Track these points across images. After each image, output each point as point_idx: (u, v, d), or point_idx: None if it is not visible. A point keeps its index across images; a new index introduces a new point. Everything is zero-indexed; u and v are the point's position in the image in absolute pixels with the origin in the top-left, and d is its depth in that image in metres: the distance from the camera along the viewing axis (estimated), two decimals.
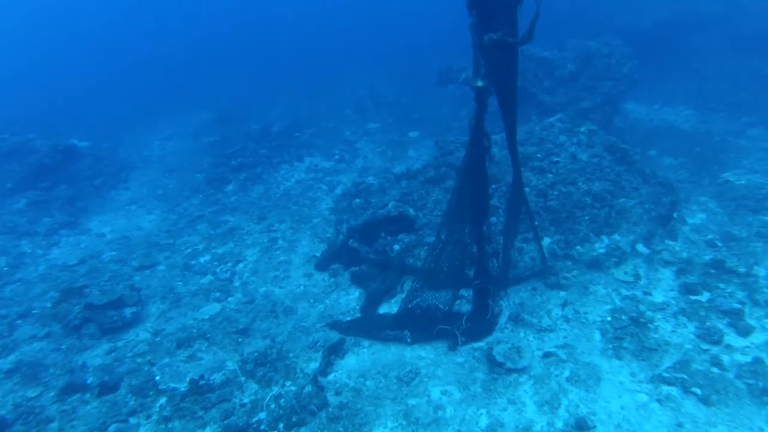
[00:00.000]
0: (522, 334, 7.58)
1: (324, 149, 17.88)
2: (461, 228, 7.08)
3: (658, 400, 6.16)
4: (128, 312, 9.13)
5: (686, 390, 6.24)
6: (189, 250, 11.92)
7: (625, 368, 6.75)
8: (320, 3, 49.96)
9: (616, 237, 9.45)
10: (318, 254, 10.92)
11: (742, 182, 11.73)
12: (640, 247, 9.32)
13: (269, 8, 50.31)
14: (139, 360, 8.19)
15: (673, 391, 6.28)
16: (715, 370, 6.57)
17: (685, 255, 9.33)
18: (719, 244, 9.68)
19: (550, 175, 10.48)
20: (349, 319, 8.57)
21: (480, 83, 5.93)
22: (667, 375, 6.47)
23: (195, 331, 8.84)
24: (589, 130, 11.59)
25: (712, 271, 8.58)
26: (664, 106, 19.03)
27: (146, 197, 15.61)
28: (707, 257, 9.20)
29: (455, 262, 7.37)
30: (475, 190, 6.76)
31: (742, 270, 8.44)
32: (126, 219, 14.22)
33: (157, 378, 7.68)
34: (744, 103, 17.55)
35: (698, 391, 6.19)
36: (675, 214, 10.29)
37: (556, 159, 10.86)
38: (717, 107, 17.89)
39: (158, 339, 8.76)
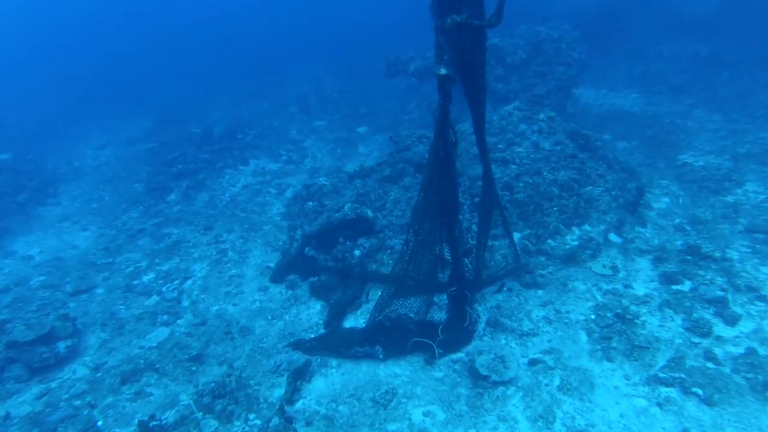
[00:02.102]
0: (503, 341, 7.02)
1: (270, 150, 16.94)
2: (431, 230, 6.43)
3: (659, 404, 5.70)
4: (62, 346, 8.05)
5: (686, 391, 5.81)
6: (130, 269, 10.83)
7: (617, 371, 6.28)
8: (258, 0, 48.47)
9: (587, 227, 9.06)
10: (272, 265, 10.08)
11: (700, 164, 11.63)
12: (613, 237, 8.95)
13: (204, 7, 48.36)
14: (77, 402, 7.15)
15: (673, 392, 5.84)
16: (710, 365, 6.18)
17: (656, 242, 9.03)
18: (688, 228, 9.45)
19: (513, 166, 10.01)
20: (312, 336, 7.81)
21: (443, 71, 5.26)
22: (664, 375, 6.04)
23: (142, 361, 7.87)
24: (549, 117, 11.21)
25: (689, 257, 8.28)
26: (611, 90, 19.07)
27: (79, 212, 14.27)
28: (679, 242, 8.94)
29: (426, 267, 6.72)
30: (443, 188, 6.13)
31: (717, 254, 8.18)
32: (57, 238, 12.90)
33: (100, 423, 6.68)
34: (686, 85, 17.81)
35: (699, 391, 5.77)
36: (642, 200, 10.00)
37: (518, 149, 10.41)
38: (661, 90, 18.08)
39: (99, 375, 7.73)
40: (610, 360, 6.45)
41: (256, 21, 42.59)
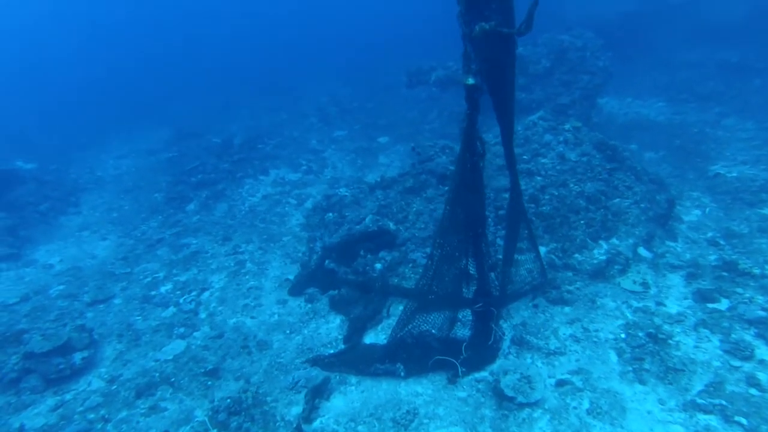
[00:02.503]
0: (529, 360, 6.74)
1: (290, 160, 16.85)
2: (456, 244, 6.22)
3: None
4: (78, 357, 7.98)
5: (728, 419, 5.48)
6: (148, 279, 10.77)
7: (651, 394, 5.97)
8: (276, 13, 48.80)
9: (615, 241, 8.75)
10: (291, 277, 9.93)
11: (734, 175, 11.22)
12: (642, 251, 8.63)
13: (224, 21, 48.87)
14: (92, 416, 7.06)
15: (713, 420, 5.51)
16: (754, 392, 5.83)
17: (688, 257, 8.69)
18: (721, 242, 9.08)
19: (539, 178, 9.75)
20: (331, 351, 7.61)
21: (471, 81, 5.06)
22: (702, 401, 5.71)
23: (157, 375, 7.75)
24: (575, 127, 10.93)
25: (724, 274, 7.93)
26: (636, 99, 18.67)
27: (99, 221, 14.30)
28: (712, 257, 8.59)
29: (450, 282, 6.50)
30: (469, 201, 5.92)
31: (756, 271, 7.80)
32: (77, 247, 12.92)
33: None
34: (714, 93, 17.32)
35: (743, 420, 5.43)
36: (672, 213, 9.65)
37: (543, 160, 10.15)
38: (688, 98, 17.61)
39: (114, 387, 7.62)
40: (642, 382, 6.14)
41: (273, 36, 42.80)
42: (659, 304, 7.46)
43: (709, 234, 9.41)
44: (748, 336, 6.63)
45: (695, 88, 17.89)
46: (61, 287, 10.73)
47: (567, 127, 11.04)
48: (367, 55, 30.77)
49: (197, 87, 30.38)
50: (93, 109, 28.18)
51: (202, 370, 7.66)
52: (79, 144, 22.35)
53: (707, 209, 10.23)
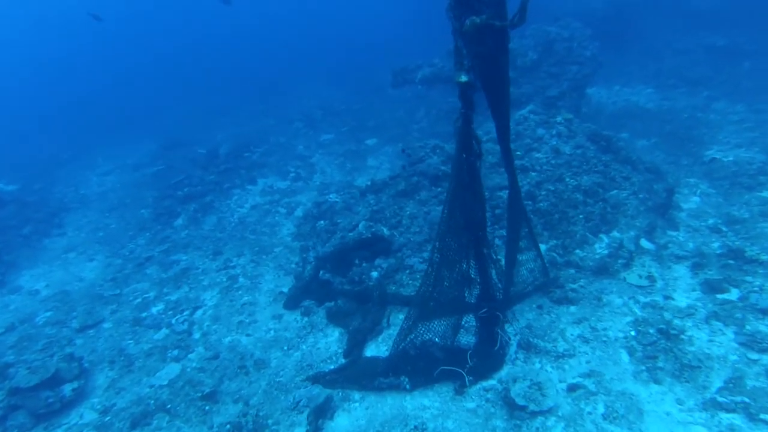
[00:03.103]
0: (538, 365, 6.48)
1: (277, 168, 16.52)
2: (456, 248, 5.94)
3: None
4: (68, 389, 7.63)
5: (753, 417, 5.24)
6: (138, 300, 10.42)
7: (668, 394, 5.72)
8: (260, 18, 48.37)
9: (616, 234, 8.52)
10: (285, 290, 9.61)
11: (730, 159, 11.03)
12: (645, 243, 8.40)
13: (207, 28, 48.36)
14: None
15: (737, 419, 5.27)
16: None
17: (691, 246, 8.47)
18: (724, 228, 8.87)
19: (534, 174, 9.50)
20: (332, 367, 7.31)
21: (464, 78, 4.80)
22: (723, 399, 5.47)
23: (152, 402, 7.43)
24: (566, 120, 10.70)
25: (731, 262, 7.71)
26: (624, 87, 18.53)
27: (86, 242, 13.90)
28: (716, 245, 8.37)
29: (452, 288, 6.22)
30: (468, 203, 5.65)
31: (764, 258, 7.58)
32: (63, 270, 12.53)
33: None
34: (703, 78, 17.19)
35: None
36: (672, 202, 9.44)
37: (537, 155, 9.90)
38: (677, 84, 17.47)
39: (108, 419, 7.29)
40: (657, 382, 5.89)
41: (257, 41, 42.38)
42: (667, 297, 7.22)
43: (710, 221, 9.21)
44: (763, 326, 6.40)
45: (684, 73, 17.75)
46: (48, 314, 10.36)
47: (559, 119, 10.82)
48: (353, 57, 30.52)
49: (181, 96, 30.02)
50: (77, 123, 27.78)
51: (199, 394, 7.34)
52: (63, 161, 21.95)
53: (698, 190, 10.06)
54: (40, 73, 43.40)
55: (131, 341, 9.09)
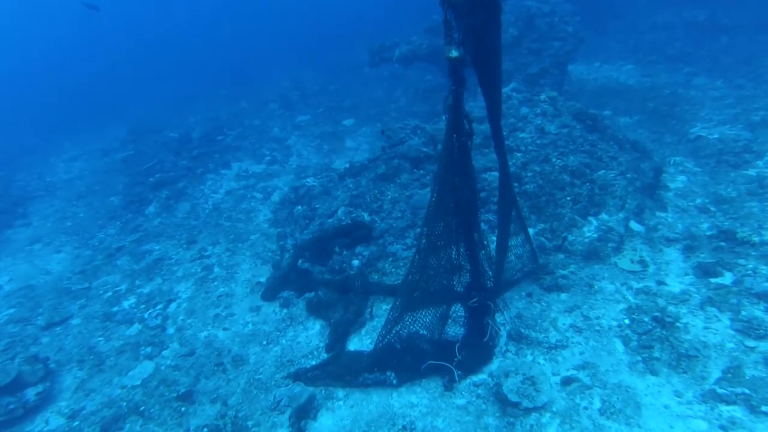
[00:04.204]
0: (530, 357, 6.20)
1: (252, 151, 15.98)
2: (445, 234, 5.59)
3: (723, 428, 4.91)
4: (31, 394, 7.18)
5: (754, 409, 5.03)
6: (109, 294, 9.93)
7: (665, 386, 5.49)
8: (227, 2, 46.98)
9: (605, 216, 8.26)
10: (263, 280, 9.22)
11: (716, 136, 10.82)
12: (634, 225, 8.16)
13: (177, 9, 46.84)
14: None
15: (737, 412, 5.05)
16: None
17: (680, 227, 8.25)
18: (712, 208, 8.68)
19: (519, 154, 9.18)
20: (314, 363, 6.95)
21: (455, 53, 4.38)
22: (722, 390, 5.25)
23: (124, 404, 7.02)
24: (551, 98, 10.39)
25: (722, 244, 7.50)
26: (604, 63, 18.29)
27: (52, 232, 13.27)
28: (705, 226, 8.17)
29: (441, 277, 5.87)
30: (458, 186, 5.28)
31: (756, 239, 7.38)
32: (28, 263, 11.92)
33: None
34: (683, 54, 17.02)
35: None
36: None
37: (522, 135, 9.57)
38: (657, 60, 17.28)
39: (76, 424, 6.86)
40: (654, 373, 5.66)
41: (228, 22, 41.23)
42: (660, 283, 6.98)
43: (698, 201, 9.01)
44: (758, 312, 6.19)
45: (664, 49, 17.56)
46: (11, 311, 9.82)
47: (543, 97, 10.50)
48: (328, 37, 29.86)
49: (152, 80, 29.16)
50: (41, 109, 26.76)
51: (174, 395, 6.96)
52: (28, 148, 21.07)
53: (674, 160, 9.91)
54: (3, 59, 41.67)
55: (101, 338, 8.64)
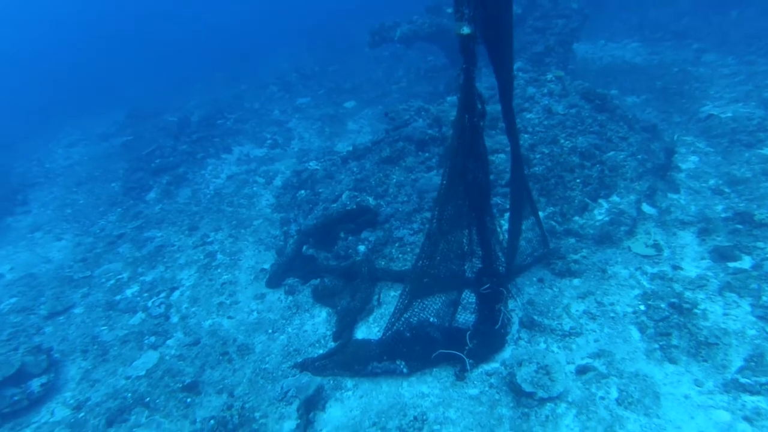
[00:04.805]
0: (543, 345, 6.05)
1: (253, 135, 15.72)
2: (456, 219, 5.39)
3: (747, 419, 4.76)
4: (36, 384, 7.06)
5: None
6: (111, 282, 9.78)
7: (684, 375, 5.33)
8: None
9: (616, 198, 8.07)
10: (267, 266, 9.05)
11: (729, 115, 10.55)
12: (646, 208, 7.97)
13: None
14: None
15: (762, 402, 4.89)
16: None
17: (694, 209, 8.05)
18: (726, 189, 8.46)
19: (526, 136, 8.95)
20: (321, 352, 6.81)
21: (466, 30, 4.16)
22: (745, 380, 5.09)
23: (129, 395, 6.90)
24: (557, 77, 10.13)
25: (739, 226, 7.29)
26: (609, 41, 17.90)
27: (53, 219, 13.09)
28: (720, 207, 7.97)
29: (452, 263, 5.69)
30: (470, 169, 5.08)
31: None
32: (29, 251, 11.75)
33: None
34: (690, 29, 16.64)
35: None
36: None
37: (529, 115, 9.33)
38: (663, 37, 16.90)
39: (82, 415, 6.75)
40: (672, 361, 5.50)
41: (226, 4, 40.53)
42: (676, 267, 6.79)
43: (711, 182, 8.79)
44: None
45: (670, 25, 17.17)
46: (14, 300, 9.67)
47: (549, 77, 10.23)
48: (327, 17, 29.39)
49: (149, 62, 28.78)
50: (39, 94, 26.40)
51: (180, 385, 6.84)
52: (26, 133, 20.80)
53: (675, 136, 9.73)
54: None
55: (105, 327, 8.51)
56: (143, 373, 7.28)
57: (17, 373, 7.01)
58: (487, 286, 5.78)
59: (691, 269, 6.73)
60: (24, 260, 11.33)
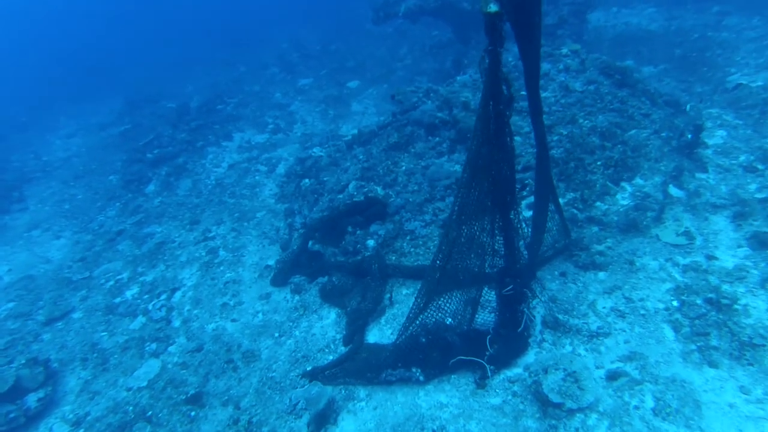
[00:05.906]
0: (569, 347, 5.59)
1: (254, 120, 15.22)
2: (479, 215, 4.90)
3: None
4: (32, 400, 6.74)
5: None
6: (111, 283, 9.44)
7: (728, 381, 4.86)
8: None
9: (640, 181, 7.55)
10: (272, 262, 8.65)
11: (759, 84, 9.88)
12: (673, 190, 7.41)
13: None
14: None
15: None
16: None
17: (724, 189, 7.47)
18: (760, 166, 7.85)
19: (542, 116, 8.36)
20: (331, 358, 6.40)
21: (494, 7, 3.64)
22: None
23: (131, 408, 6.58)
24: (573, 51, 9.54)
25: None
26: (623, 8, 17.08)
27: (51, 216, 12.73)
28: (753, 187, 7.39)
29: (473, 262, 5.21)
30: (495, 161, 4.58)
31: None
32: (27, 250, 11.42)
33: None
34: None
35: None
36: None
37: (545, 94, 8.74)
38: (681, 0, 16.02)
39: None
40: (713, 365, 5.02)
41: None
42: (710, 257, 6.26)
43: (742, 158, 8.18)
44: None
45: None
46: (11, 305, 9.37)
47: (564, 51, 9.64)
48: None
49: (145, 46, 28.12)
50: (34, 83, 25.92)
51: (183, 397, 6.49)
52: (22, 124, 20.38)
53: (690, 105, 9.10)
54: None
55: (104, 333, 8.18)
56: (145, 383, 6.95)
57: (12, 388, 6.68)
58: (510, 287, 5.31)
59: (727, 259, 6.19)
60: (22, 261, 11.00)
